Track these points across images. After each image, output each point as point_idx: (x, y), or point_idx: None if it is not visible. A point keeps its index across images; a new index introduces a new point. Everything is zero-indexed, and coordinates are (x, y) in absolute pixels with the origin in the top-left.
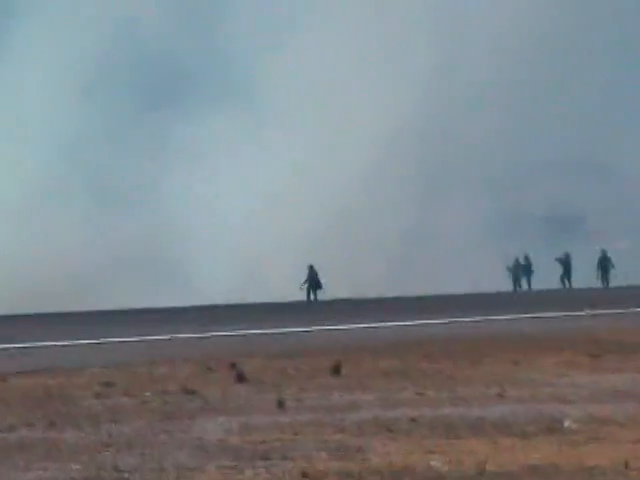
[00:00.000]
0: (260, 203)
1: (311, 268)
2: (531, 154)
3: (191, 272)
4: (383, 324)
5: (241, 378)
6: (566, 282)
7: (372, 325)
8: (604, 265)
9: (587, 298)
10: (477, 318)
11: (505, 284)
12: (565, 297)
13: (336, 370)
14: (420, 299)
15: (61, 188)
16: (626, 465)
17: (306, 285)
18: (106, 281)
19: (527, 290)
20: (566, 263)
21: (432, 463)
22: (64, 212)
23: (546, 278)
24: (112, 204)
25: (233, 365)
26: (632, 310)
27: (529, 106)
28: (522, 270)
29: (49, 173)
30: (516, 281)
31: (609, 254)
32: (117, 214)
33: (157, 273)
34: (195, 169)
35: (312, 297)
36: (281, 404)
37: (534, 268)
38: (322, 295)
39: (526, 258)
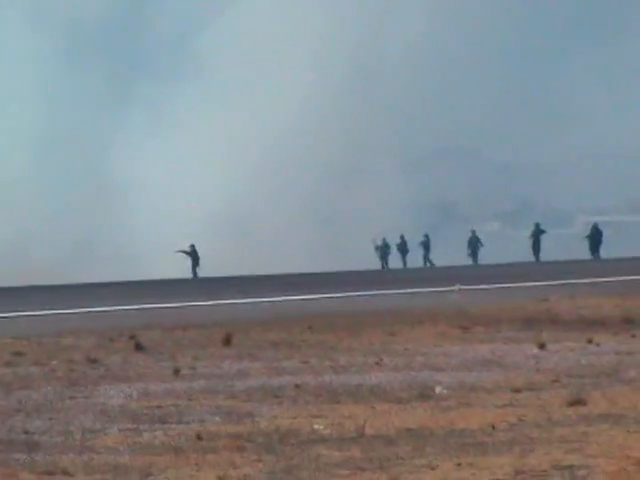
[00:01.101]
0: None
1: (192, 247)
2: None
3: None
4: (270, 299)
5: (140, 348)
6: (428, 262)
7: (260, 300)
8: (474, 244)
9: (458, 275)
10: (354, 293)
11: (373, 263)
12: (437, 275)
13: (227, 341)
14: (302, 276)
15: None
16: (493, 427)
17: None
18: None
19: (403, 267)
20: (426, 244)
21: (315, 426)
22: None
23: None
24: None
25: (132, 336)
26: (499, 286)
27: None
28: (398, 249)
29: None
30: (383, 259)
31: (478, 234)
32: None
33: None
34: None
35: (194, 274)
36: (177, 372)
37: (409, 247)
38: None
39: (401, 237)
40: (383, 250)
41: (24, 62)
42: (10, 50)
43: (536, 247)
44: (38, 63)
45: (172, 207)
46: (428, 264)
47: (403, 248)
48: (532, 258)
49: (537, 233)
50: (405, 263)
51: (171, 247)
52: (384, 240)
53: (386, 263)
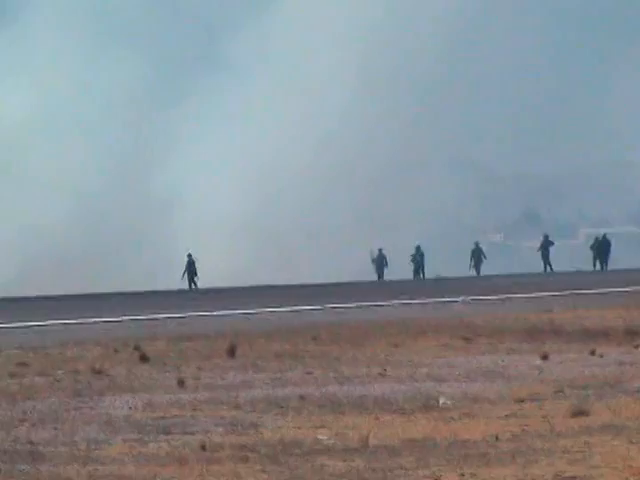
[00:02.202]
0: None
1: (189, 257)
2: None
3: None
4: (274, 310)
5: (144, 359)
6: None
7: (264, 310)
8: (477, 255)
9: (461, 286)
10: (356, 304)
11: (368, 274)
12: (441, 286)
13: (231, 352)
14: (303, 287)
15: None
16: (496, 438)
17: (185, 275)
18: None
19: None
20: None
21: (319, 437)
22: None
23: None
24: None
25: (137, 347)
26: (502, 297)
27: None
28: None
29: None
30: (380, 271)
31: (481, 245)
32: None
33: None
34: None
35: (193, 285)
36: (181, 383)
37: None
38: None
39: (380, 251)
40: (379, 262)
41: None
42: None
43: (545, 258)
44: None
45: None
46: (421, 276)
47: (419, 259)
48: (537, 269)
49: (546, 245)
50: (421, 274)
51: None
52: (380, 251)
53: (382, 275)
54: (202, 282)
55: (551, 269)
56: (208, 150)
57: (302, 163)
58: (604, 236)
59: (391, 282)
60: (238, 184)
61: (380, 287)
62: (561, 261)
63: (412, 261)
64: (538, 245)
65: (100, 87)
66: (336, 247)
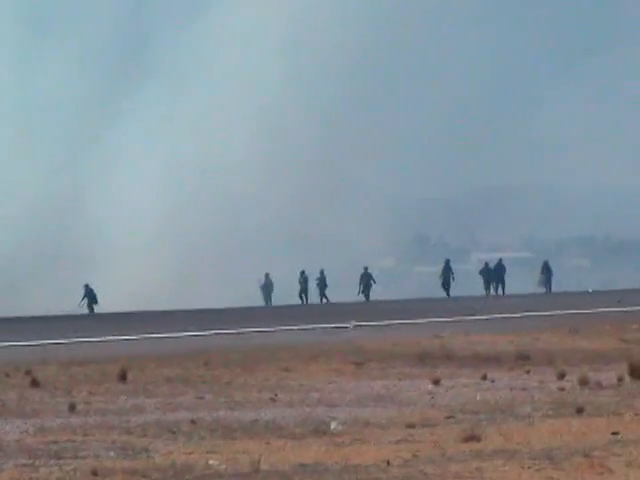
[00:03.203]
0: None
1: (86, 287)
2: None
3: None
4: (165, 335)
5: (36, 384)
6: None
7: (155, 335)
8: (366, 280)
9: (351, 311)
10: (247, 330)
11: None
12: (329, 310)
13: (122, 376)
14: (197, 312)
15: None
16: (388, 463)
17: (85, 302)
18: None
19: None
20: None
21: (211, 462)
22: None
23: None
24: None
25: (28, 372)
26: (393, 322)
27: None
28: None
29: None
30: (267, 296)
31: (369, 270)
32: None
33: None
34: None
35: (91, 310)
36: (72, 407)
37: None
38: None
39: (266, 276)
40: (267, 287)
41: None
42: None
43: (446, 284)
44: None
45: None
46: (325, 300)
47: (303, 284)
48: (428, 294)
49: (447, 270)
50: (305, 299)
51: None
52: (267, 276)
53: (269, 300)
54: (101, 307)
55: (448, 295)
56: (114, 167)
57: (206, 194)
58: (500, 261)
59: (281, 307)
60: (140, 208)
61: (270, 312)
62: (453, 286)
63: (317, 285)
64: (430, 269)
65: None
66: (234, 273)
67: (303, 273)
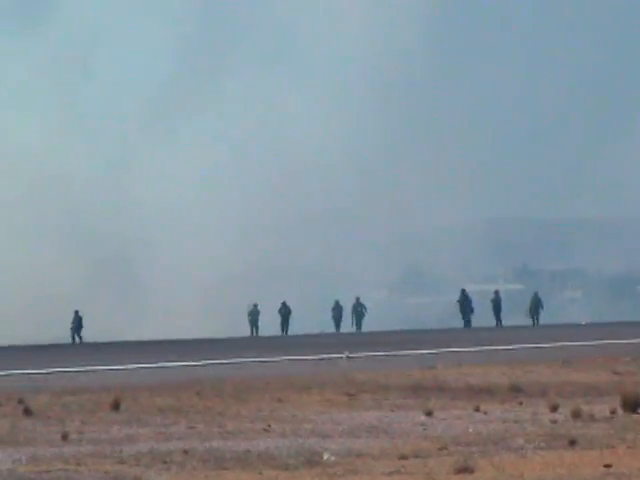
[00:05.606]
0: None
1: (76, 313)
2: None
3: None
4: (158, 364)
5: (28, 412)
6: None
7: (148, 365)
8: (358, 311)
9: (345, 342)
10: (240, 360)
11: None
12: (325, 341)
13: (115, 406)
14: (187, 342)
15: None
16: None
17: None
18: None
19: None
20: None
21: None
22: None
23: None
24: None
25: (21, 401)
26: (386, 353)
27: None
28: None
29: None
30: (254, 325)
31: (362, 300)
32: None
33: None
34: None
35: (77, 339)
36: (65, 437)
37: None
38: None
39: (254, 306)
40: (254, 317)
41: None
42: None
43: (465, 312)
44: None
45: None
46: (285, 333)
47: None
48: (421, 325)
49: (463, 299)
50: (284, 329)
51: None
52: (254, 306)
53: (256, 329)
54: (87, 336)
55: (466, 324)
56: None
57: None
58: (496, 292)
59: (270, 338)
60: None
61: (258, 342)
62: (446, 318)
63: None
64: (421, 300)
65: None
66: (223, 302)
67: (285, 304)
